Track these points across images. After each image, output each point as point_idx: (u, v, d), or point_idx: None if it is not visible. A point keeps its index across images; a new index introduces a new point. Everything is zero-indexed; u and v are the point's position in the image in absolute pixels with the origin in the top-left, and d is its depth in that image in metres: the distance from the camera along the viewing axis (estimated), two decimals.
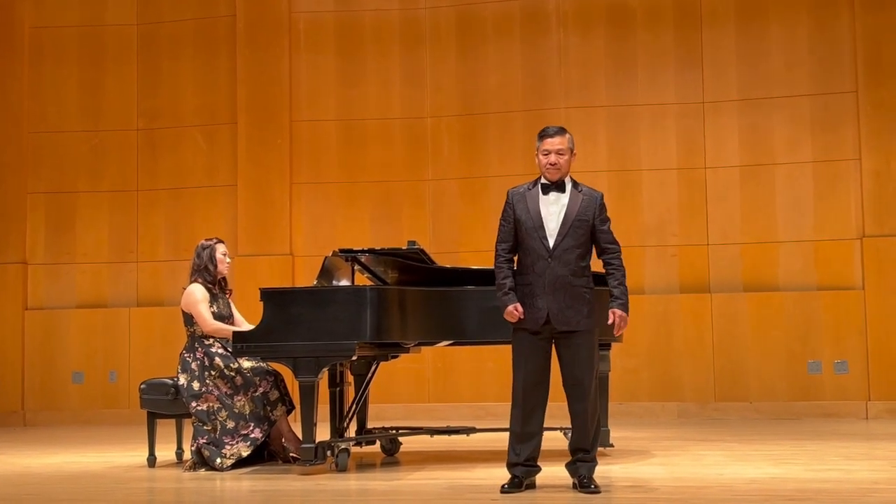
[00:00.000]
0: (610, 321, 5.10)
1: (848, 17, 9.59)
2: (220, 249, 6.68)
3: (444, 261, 6.84)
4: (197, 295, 6.52)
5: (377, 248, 6.39)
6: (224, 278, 6.75)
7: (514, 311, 5.08)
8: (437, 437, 7.12)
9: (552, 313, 5.04)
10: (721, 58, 9.84)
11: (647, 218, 9.86)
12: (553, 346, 5.14)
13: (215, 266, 6.63)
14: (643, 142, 9.95)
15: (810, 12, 9.72)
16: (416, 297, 6.12)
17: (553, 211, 5.12)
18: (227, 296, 6.76)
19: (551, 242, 5.08)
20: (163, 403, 6.46)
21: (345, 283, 6.44)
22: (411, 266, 6.40)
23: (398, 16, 10.39)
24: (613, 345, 6.54)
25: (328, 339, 5.84)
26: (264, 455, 6.52)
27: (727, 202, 9.75)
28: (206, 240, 6.74)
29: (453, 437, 7.11)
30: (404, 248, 6.29)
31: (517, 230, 5.16)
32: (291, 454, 6.38)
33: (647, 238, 9.83)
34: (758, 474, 5.64)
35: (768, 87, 9.75)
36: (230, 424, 6.28)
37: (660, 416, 9.55)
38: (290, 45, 10.39)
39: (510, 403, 5.17)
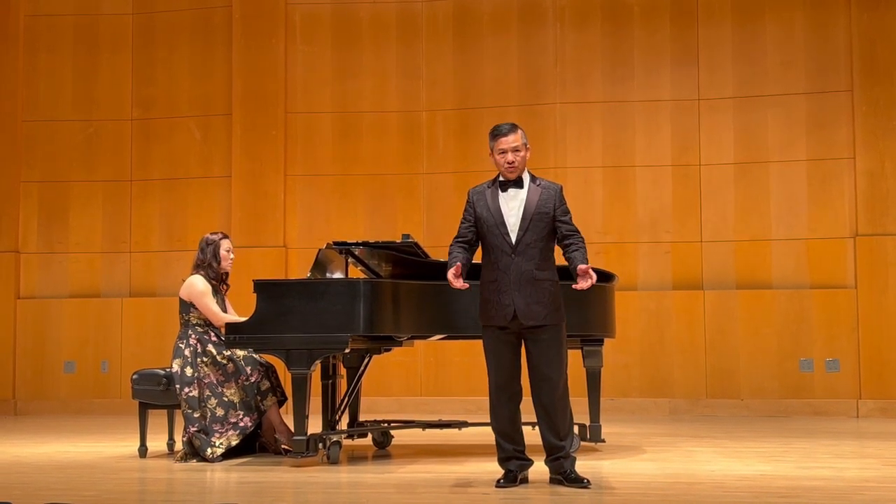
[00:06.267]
0: (579, 285, 4.92)
1: (844, 17, 9.61)
2: (225, 245, 6.59)
3: (437, 254, 6.83)
4: (199, 287, 6.46)
5: (371, 241, 6.38)
6: (226, 273, 6.69)
7: (453, 273, 4.99)
8: (428, 431, 7.12)
9: (518, 309, 5.02)
10: (717, 55, 9.85)
11: (641, 214, 9.87)
12: (522, 341, 5.11)
13: (219, 262, 6.56)
14: (638, 138, 9.96)
15: (806, 11, 9.74)
16: (410, 290, 6.12)
17: (513, 206, 5.12)
18: (224, 291, 6.73)
19: (513, 238, 5.07)
20: (154, 394, 6.46)
21: (338, 275, 6.43)
22: (405, 259, 6.39)
23: (395, 8, 10.37)
24: (606, 340, 6.55)
25: (321, 331, 5.84)
26: (255, 447, 6.52)
27: (721, 199, 9.77)
28: (212, 234, 6.63)
29: (445, 430, 7.10)
30: (398, 241, 6.29)
31: (479, 228, 5.17)
32: (283, 446, 6.38)
33: (641, 234, 9.85)
34: (748, 471, 5.65)
35: (763, 85, 9.77)
36: (219, 412, 6.27)
37: (651, 412, 9.57)
38: (286, 37, 10.38)
39: None
